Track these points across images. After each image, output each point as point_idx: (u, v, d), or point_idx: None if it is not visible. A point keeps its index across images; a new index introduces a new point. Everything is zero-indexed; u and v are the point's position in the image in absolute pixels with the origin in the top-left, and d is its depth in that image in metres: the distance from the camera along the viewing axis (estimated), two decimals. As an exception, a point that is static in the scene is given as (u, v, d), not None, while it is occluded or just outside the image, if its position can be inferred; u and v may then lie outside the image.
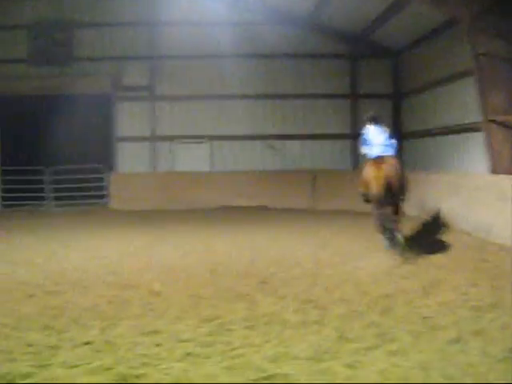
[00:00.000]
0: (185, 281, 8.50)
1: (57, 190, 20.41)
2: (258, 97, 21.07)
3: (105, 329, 6.13)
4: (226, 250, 11.31)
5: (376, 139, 11.22)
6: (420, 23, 16.90)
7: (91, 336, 5.89)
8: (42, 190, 20.52)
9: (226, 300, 7.37)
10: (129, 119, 20.93)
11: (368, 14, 17.98)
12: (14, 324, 6.35)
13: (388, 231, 10.48)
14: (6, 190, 21.31)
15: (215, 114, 21.00)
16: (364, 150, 11.46)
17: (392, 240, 10.39)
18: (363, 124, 11.88)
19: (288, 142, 21.21)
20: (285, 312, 6.81)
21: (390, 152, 11.10)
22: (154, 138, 20.81)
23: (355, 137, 20.86)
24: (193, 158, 20.62)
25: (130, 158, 20.67)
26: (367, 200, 11.16)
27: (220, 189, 19.77)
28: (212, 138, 20.88)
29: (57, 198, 20.42)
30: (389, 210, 10.46)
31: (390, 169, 10.38)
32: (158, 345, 5.62)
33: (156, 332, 6.01)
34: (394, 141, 11.46)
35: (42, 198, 20.57)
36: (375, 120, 11.52)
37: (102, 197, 20.28)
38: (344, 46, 21.11)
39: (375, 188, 10.24)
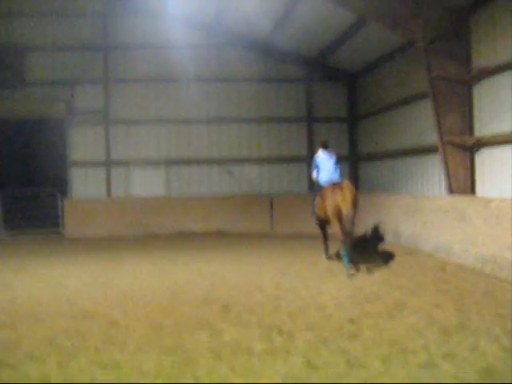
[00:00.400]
0: (144, 309, 8.22)
1: (9, 217, 19.82)
2: (214, 120, 20.98)
3: (62, 363, 5.83)
4: (186, 277, 11.06)
5: (325, 164, 12.24)
6: (376, 46, 17.13)
7: (48, 370, 5.59)
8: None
9: (188, 329, 7.13)
10: (83, 143, 20.56)
11: (324, 37, 18.15)
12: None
13: (347, 251, 11.01)
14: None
15: (172, 137, 20.82)
16: (314, 174, 12.53)
17: (348, 258, 10.96)
18: (316, 149, 12.94)
19: (245, 166, 21.11)
20: (250, 340, 6.61)
21: (338, 176, 12.06)
22: (108, 163, 20.46)
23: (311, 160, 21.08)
24: (149, 183, 20.35)
25: (84, 183, 20.28)
26: (322, 223, 12.60)
27: (177, 214, 19.50)
28: (168, 162, 20.65)
29: (9, 225, 19.81)
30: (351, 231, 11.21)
31: (353, 192, 11.21)
32: (117, 379, 5.36)
33: (117, 365, 5.74)
34: (339, 166, 12.39)
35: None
36: (325, 145, 12.59)
37: (56, 224, 19.76)
38: (301, 69, 21.23)
39: (345, 210, 10.97)
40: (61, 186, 20.28)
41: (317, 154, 12.60)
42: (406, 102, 16.59)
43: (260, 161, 21.00)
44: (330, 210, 11.33)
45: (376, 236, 16.09)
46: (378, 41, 16.57)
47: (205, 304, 8.53)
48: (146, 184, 20.42)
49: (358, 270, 10.95)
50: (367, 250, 14.13)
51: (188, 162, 20.74)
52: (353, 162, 21.18)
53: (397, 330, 6.86)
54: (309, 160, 20.28)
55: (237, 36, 20.77)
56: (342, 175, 12.31)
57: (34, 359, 5.96)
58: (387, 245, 14.74)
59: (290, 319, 7.52)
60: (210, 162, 20.88)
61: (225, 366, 5.72)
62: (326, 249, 12.94)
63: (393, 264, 11.81)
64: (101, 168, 20.44)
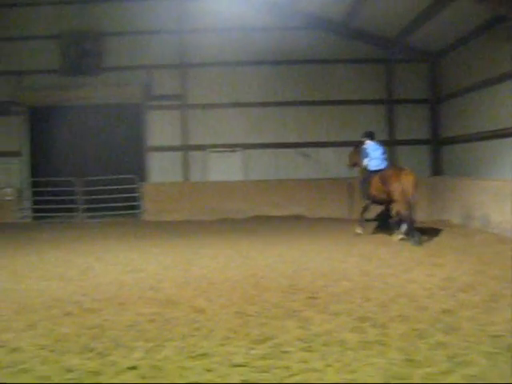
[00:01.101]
0: (228, 296, 7.99)
1: (89, 202, 20.13)
2: (291, 104, 20.59)
3: (149, 351, 5.65)
4: (267, 263, 10.80)
5: (374, 153, 14.03)
6: (460, 23, 16.28)
7: (135, 359, 5.42)
8: (73, 202, 20.24)
9: (275, 317, 6.86)
10: (160, 128, 20.59)
11: (404, 16, 17.40)
12: (51, 345, 5.91)
13: (414, 230, 12.70)
14: (36, 202, 21.11)
15: (248, 121, 20.56)
16: (365, 161, 14.20)
17: (416, 236, 12.55)
18: (363, 139, 14.60)
19: (322, 150, 20.65)
20: (341, 331, 6.28)
21: (386, 164, 13.98)
22: (185, 148, 20.43)
23: (394, 143, 20.38)
24: (226, 167, 20.17)
25: (161, 168, 20.31)
26: (370, 204, 14.45)
27: (254, 198, 19.32)
28: (245, 146, 20.43)
29: (89, 210, 20.14)
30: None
31: (416, 177, 13.16)
32: (209, 370, 5.13)
33: (205, 355, 5.52)
34: (386, 154, 14.29)
35: (74, 210, 20.30)
36: (372, 136, 14.48)
37: (134, 208, 19.91)
38: (379, 49, 20.52)
39: (411, 192, 12.83)
40: (139, 171, 20.38)
41: (366, 144, 14.29)
42: (493, 82, 15.74)
43: (337, 144, 20.48)
44: (397, 192, 12.96)
45: (463, 223, 15.41)
46: (461, 17, 15.74)
47: (290, 292, 8.24)
48: (223, 168, 20.26)
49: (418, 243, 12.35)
50: (455, 237, 13.54)
51: (265, 145, 20.46)
52: (435, 146, 20.38)
53: (497, 324, 6.38)
54: (388, 143, 19.82)
55: (311, 18, 20.26)
56: (388, 162, 14.17)
57: (121, 346, 5.81)
58: (475, 232, 14.09)
59: (381, 309, 7.14)
60: (286, 145, 20.52)
61: (317, 358, 5.41)
62: (362, 223, 14.59)
63: (484, 253, 11.21)
64: (178, 152, 20.44)
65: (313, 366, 5.21)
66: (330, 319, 6.75)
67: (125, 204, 19.89)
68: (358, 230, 14.43)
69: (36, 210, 21.14)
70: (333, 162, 20.49)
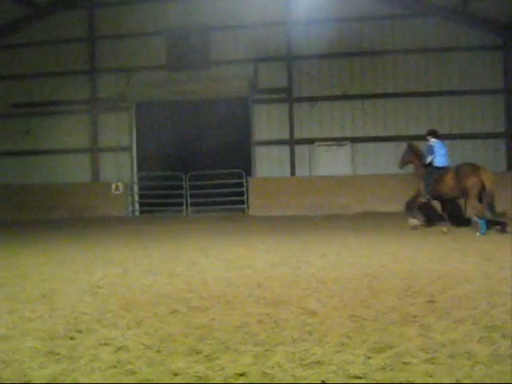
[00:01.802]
0: (340, 297, 7.52)
1: (195, 196, 20.20)
2: (401, 95, 19.81)
3: (259, 356, 5.27)
4: (379, 262, 10.23)
5: (440, 150, 14.63)
6: None
7: (244, 365, 5.05)
8: (180, 196, 20.38)
9: (392, 323, 6.31)
10: (266, 122, 20.38)
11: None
12: (157, 346, 5.66)
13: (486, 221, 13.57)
14: (143, 196, 21.43)
15: (357, 114, 19.96)
16: (429, 158, 14.66)
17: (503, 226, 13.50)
18: (427, 137, 14.96)
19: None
20: (468, 341, 5.64)
21: (449, 161, 14.74)
22: (292, 141, 20.08)
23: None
24: (333, 162, 19.68)
25: (268, 163, 20.10)
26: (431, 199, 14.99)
27: (362, 193, 18.71)
28: (354, 139, 19.82)
29: (195, 204, 20.20)
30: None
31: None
32: (324, 381, 4.69)
33: (319, 363, 5.07)
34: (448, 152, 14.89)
35: (180, 204, 20.44)
36: (436, 134, 14.96)
37: (240, 202, 19.78)
38: (495, 36, 19.31)
39: (490, 186, 13.65)
40: (245, 165, 20.25)
41: (431, 142, 14.76)
42: None
43: (452, 137, 19.45)
44: (474, 188, 13.65)
45: None
46: None
47: (406, 294, 7.65)
48: (331, 163, 19.78)
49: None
50: None
51: (374, 139, 19.79)
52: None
53: None
54: (507, 135, 18.63)
55: (424, 5, 19.35)
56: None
57: (229, 350, 5.46)
58: None
59: (511, 318, 6.44)
60: (397, 138, 19.73)
61: (443, 372, 4.84)
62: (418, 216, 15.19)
63: None
64: (285, 146, 20.14)
65: (440, 381, 4.65)
66: (454, 327, 6.13)
67: (231, 199, 19.80)
68: (414, 223, 15.00)
69: (143, 204, 21.47)
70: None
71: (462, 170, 13.94)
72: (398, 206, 18.43)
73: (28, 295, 8.09)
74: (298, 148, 20.06)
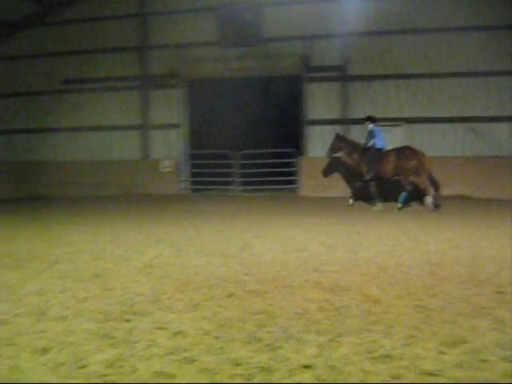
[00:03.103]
0: (403, 285, 7.16)
1: (245, 175, 19.95)
2: (458, 75, 19.09)
3: (324, 347, 4.98)
4: (439, 248, 9.80)
5: (379, 134, 16.29)
6: None
7: (309, 356, 4.77)
8: (230, 175, 20.18)
9: (462, 314, 5.94)
10: (319, 101, 19.94)
11: None
12: (215, 331, 5.42)
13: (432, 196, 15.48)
14: (194, 174, 21.30)
15: (412, 94, 19.33)
16: (371, 142, 16.17)
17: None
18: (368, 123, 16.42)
19: (494, 125, 18.96)
20: (549, 338, 5.26)
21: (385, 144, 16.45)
22: (345, 121, 19.61)
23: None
24: (387, 143, 19.11)
25: (320, 142, 19.65)
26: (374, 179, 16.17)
27: (416, 175, 18.12)
28: (409, 120, 19.23)
29: (245, 183, 19.96)
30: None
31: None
32: (396, 377, 4.38)
33: (389, 357, 4.75)
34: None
35: (231, 183, 20.23)
36: (374, 120, 16.51)
37: (291, 182, 19.46)
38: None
39: (428, 166, 15.80)
40: (296, 144, 19.90)
41: (371, 127, 16.28)
42: None
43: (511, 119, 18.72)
44: (419, 167, 15.57)
45: None
46: None
47: (472, 284, 7.24)
48: (385, 143, 19.21)
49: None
50: None
51: (430, 120, 19.16)
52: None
53: None
54: None
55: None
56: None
57: (292, 338, 5.19)
58: None
59: None
60: (453, 120, 19.08)
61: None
62: (378, 197, 16.18)
63: None
64: (337, 126, 19.66)
65: (524, 382, 4.29)
66: (530, 321, 5.73)
67: (282, 178, 19.50)
68: (377, 207, 15.81)
69: (193, 183, 21.34)
70: (505, 139, 18.79)
71: (403, 153, 15.86)
72: (455, 190, 17.90)
73: (80, 274, 7.98)
74: (351, 128, 19.59)
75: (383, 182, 16.55)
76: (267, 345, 5.04)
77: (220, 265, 8.46)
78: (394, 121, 19.31)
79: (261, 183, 19.83)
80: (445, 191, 17.68)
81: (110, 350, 4.92)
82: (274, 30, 20.53)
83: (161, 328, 5.53)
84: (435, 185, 15.65)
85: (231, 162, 20.20)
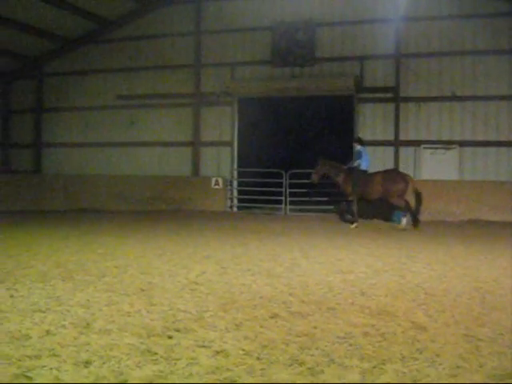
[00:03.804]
0: (451, 312, 6.97)
1: (294, 194, 19.89)
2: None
3: (366, 373, 4.87)
4: (492, 275, 9.51)
5: (365, 155, 16.89)
6: None
7: (351, 382, 4.68)
8: (279, 194, 20.14)
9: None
10: (371, 122, 19.78)
11: None
12: (257, 352, 5.37)
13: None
14: (242, 192, 21.35)
15: (466, 116, 18.98)
16: (357, 162, 16.80)
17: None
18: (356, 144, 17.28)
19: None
20: None
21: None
22: (397, 143, 19.40)
23: None
24: (440, 166, 18.83)
25: (371, 163, 19.44)
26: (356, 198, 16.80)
27: (471, 200, 17.77)
28: (462, 143, 18.89)
29: (294, 203, 19.89)
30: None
31: None
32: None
33: (433, 387, 4.63)
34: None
35: (279, 202, 20.18)
36: (362, 142, 17.17)
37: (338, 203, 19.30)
38: None
39: (417, 190, 16.27)
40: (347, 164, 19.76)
41: (358, 148, 16.99)
42: None
43: None
44: (402, 188, 16.12)
45: None
46: None
47: (528, 313, 7.02)
48: (436, 166, 18.93)
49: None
50: None
51: (485, 144, 18.76)
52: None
53: None
54: None
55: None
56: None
57: (334, 363, 5.09)
58: None
59: None
60: (509, 144, 18.65)
61: None
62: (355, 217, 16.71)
63: None
64: (389, 148, 19.48)
65: None
66: None
67: (330, 199, 19.37)
68: (353, 226, 16.35)
69: (242, 200, 21.40)
70: None
71: (390, 175, 16.54)
72: (509, 216, 17.46)
73: (126, 287, 8.05)
74: (402, 150, 19.36)
75: (368, 202, 17.28)
76: (309, 368, 4.96)
77: (265, 284, 8.42)
78: (447, 143, 18.99)
79: (308, 203, 19.73)
80: (499, 217, 17.30)
81: (151, 366, 4.92)
82: (326, 49, 20.54)
83: (203, 346, 5.51)
84: (419, 202, 16.25)
85: (281, 181, 20.18)
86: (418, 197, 16.20)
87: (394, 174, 16.50)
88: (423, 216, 17.73)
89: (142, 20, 23.14)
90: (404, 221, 16.14)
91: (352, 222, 16.58)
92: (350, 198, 16.71)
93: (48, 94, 24.97)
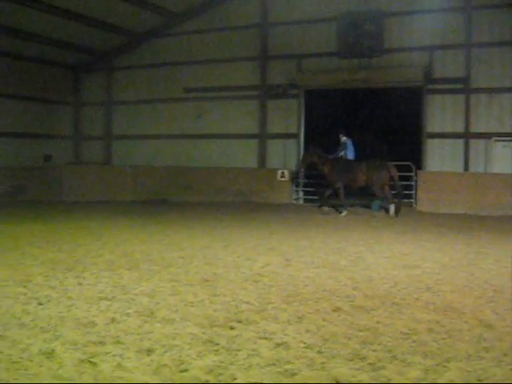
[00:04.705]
0: (521, 310, 6.76)
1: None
2: None
3: (429, 371, 4.77)
4: None
5: (350, 147, 18.22)
6: None
7: (413, 379, 4.58)
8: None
9: None
10: (440, 114, 19.30)
11: None
12: (319, 346, 5.34)
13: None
14: (309, 185, 21.23)
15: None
16: (343, 153, 18.04)
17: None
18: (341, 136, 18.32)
19: None
20: None
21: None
22: (467, 135, 18.87)
23: None
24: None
25: (440, 156, 19.04)
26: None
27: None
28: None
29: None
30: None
31: None
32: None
33: (498, 387, 4.50)
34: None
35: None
36: (346, 133, 18.24)
37: (407, 196, 18.93)
38: None
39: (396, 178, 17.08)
40: (414, 157, 19.38)
41: (344, 139, 18.16)
42: None
43: None
44: (385, 178, 16.88)
45: None
46: None
47: None
48: (508, 160, 18.31)
49: None
50: None
51: None
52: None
53: None
54: None
55: None
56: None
57: (396, 359, 5.00)
58: None
59: None
60: None
61: None
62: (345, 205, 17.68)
63: None
64: (458, 140, 18.97)
65: None
66: None
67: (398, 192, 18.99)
68: (343, 214, 17.22)
69: (308, 193, 21.31)
70: None
71: (373, 164, 17.02)
72: None
73: (191, 278, 8.16)
74: (472, 142, 18.82)
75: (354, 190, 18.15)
76: (370, 364, 4.91)
77: (329, 277, 8.36)
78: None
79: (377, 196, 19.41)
80: None
81: (212, 357, 4.97)
82: (395, 40, 20.14)
83: (264, 338, 5.53)
84: (398, 194, 17.07)
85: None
86: (395, 185, 16.97)
87: (377, 164, 17.05)
88: (493, 211, 17.28)
89: (209, 14, 23.27)
90: (392, 208, 16.96)
91: (340, 211, 17.52)
92: (337, 186, 17.39)
93: (117, 87, 25.50)
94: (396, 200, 16.99)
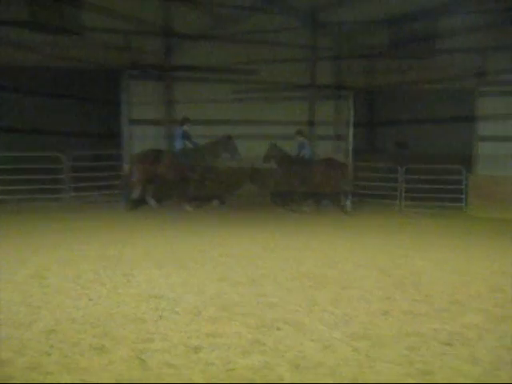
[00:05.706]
0: None
1: (409, 190, 19.32)
2: None
3: (480, 377, 4.70)
4: None
5: (308, 147, 18.44)
6: None
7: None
8: (394, 189, 19.64)
9: None
10: (493, 115, 18.88)
11: None
12: (366, 349, 5.30)
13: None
14: (356, 186, 21.03)
15: None
16: (302, 152, 18.15)
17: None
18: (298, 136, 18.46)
19: None
20: None
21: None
22: (519, 138, 18.43)
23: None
24: None
25: (493, 160, 18.60)
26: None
27: None
28: None
29: (409, 198, 19.34)
30: None
31: None
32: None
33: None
34: None
35: (394, 197, 19.66)
36: (302, 133, 18.57)
37: (458, 200, 18.56)
38: None
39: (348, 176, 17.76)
40: (465, 160, 19.02)
41: (301, 139, 18.33)
42: None
43: None
44: (340, 175, 17.40)
45: None
46: None
47: None
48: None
49: None
50: None
51: None
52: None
53: None
54: None
55: None
56: None
57: (444, 365, 4.95)
58: None
59: None
60: None
61: None
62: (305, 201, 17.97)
63: None
64: (510, 143, 18.52)
65: None
66: None
67: (448, 196, 18.67)
68: (307, 210, 17.45)
69: (354, 194, 21.11)
70: None
71: (331, 164, 17.60)
72: None
73: (238, 277, 8.16)
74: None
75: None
76: (419, 370, 4.85)
77: (377, 280, 8.26)
78: None
79: (425, 199, 19.12)
80: None
81: (258, 357, 4.99)
82: (447, 41, 19.78)
83: (311, 340, 5.52)
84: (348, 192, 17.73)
85: (396, 176, 19.66)
86: (347, 182, 17.65)
87: (334, 162, 17.75)
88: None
89: (258, 16, 23.25)
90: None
91: (302, 208, 17.67)
92: (295, 185, 17.96)
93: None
94: (350, 197, 17.72)
